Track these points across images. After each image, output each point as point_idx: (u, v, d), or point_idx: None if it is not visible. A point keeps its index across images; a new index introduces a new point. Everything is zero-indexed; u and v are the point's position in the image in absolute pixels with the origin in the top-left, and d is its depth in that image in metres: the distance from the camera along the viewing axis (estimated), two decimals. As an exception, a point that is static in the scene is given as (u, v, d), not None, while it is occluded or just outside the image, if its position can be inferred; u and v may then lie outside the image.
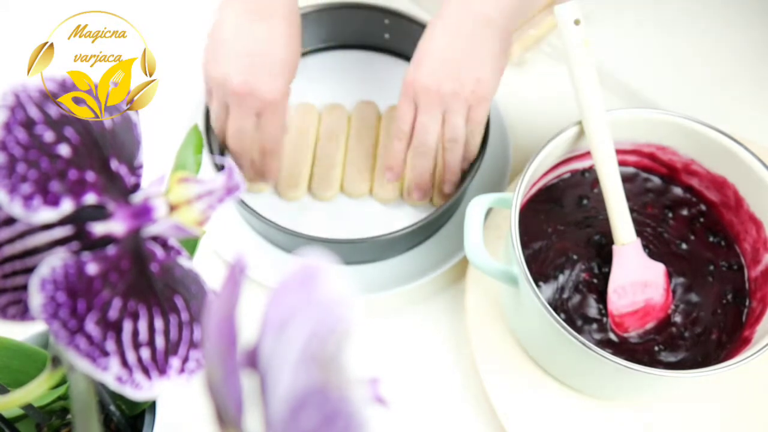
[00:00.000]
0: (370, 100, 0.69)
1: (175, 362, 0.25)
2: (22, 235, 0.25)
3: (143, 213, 0.25)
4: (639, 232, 0.52)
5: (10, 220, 0.24)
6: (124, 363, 0.24)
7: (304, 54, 0.71)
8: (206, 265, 0.61)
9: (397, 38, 0.70)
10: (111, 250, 0.24)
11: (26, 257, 0.25)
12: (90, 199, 0.24)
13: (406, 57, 0.70)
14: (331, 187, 0.63)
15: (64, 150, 0.24)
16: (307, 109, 0.67)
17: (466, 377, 0.57)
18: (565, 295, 0.52)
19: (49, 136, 0.23)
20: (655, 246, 0.54)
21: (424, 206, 0.63)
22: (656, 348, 0.50)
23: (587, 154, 0.54)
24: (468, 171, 0.60)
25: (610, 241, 0.52)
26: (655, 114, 0.53)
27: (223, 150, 0.65)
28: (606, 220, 0.51)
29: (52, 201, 0.23)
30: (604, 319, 0.51)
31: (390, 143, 0.59)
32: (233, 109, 0.56)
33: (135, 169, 0.26)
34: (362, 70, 0.71)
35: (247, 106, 0.56)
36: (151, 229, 0.25)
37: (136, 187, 0.26)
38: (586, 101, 0.49)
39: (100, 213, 0.25)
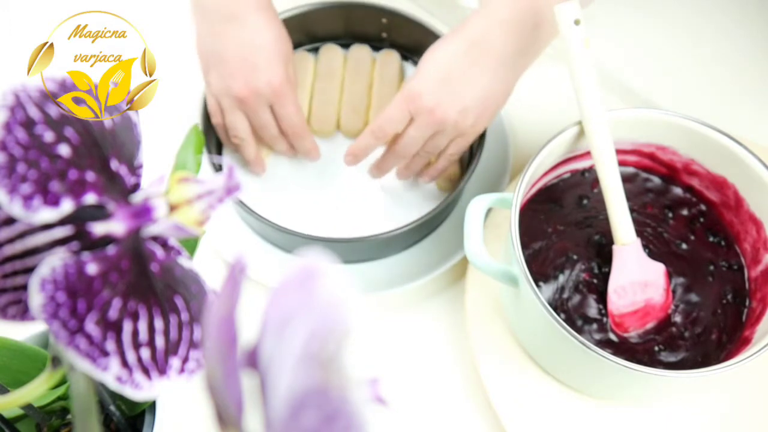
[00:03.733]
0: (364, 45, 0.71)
1: (175, 362, 0.25)
2: (22, 235, 0.25)
3: (143, 213, 0.25)
4: (639, 232, 0.52)
5: (10, 220, 0.24)
6: (124, 363, 0.24)
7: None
8: (206, 265, 0.61)
9: (395, 37, 0.70)
10: (111, 250, 0.24)
11: (26, 257, 0.25)
12: (90, 199, 0.24)
13: (404, 56, 0.70)
14: (329, 122, 0.66)
15: (64, 150, 0.24)
16: (302, 56, 0.69)
17: (466, 377, 0.57)
18: (565, 295, 0.52)
19: (49, 136, 0.23)
20: (655, 246, 0.54)
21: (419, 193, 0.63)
22: (656, 348, 0.50)
23: (587, 154, 0.54)
24: (466, 170, 0.60)
25: (610, 241, 0.52)
26: (655, 114, 0.53)
27: (221, 150, 0.65)
28: (606, 220, 0.51)
29: (52, 201, 0.23)
30: (604, 319, 0.51)
31: (364, 135, 0.57)
32: (249, 112, 0.58)
33: (135, 169, 0.26)
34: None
35: (258, 104, 0.57)
36: (151, 229, 0.25)
37: (136, 187, 0.26)
38: (586, 101, 0.49)
39: (100, 213, 0.25)
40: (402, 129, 0.56)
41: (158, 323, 0.25)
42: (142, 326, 0.24)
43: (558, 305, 0.52)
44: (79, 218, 0.25)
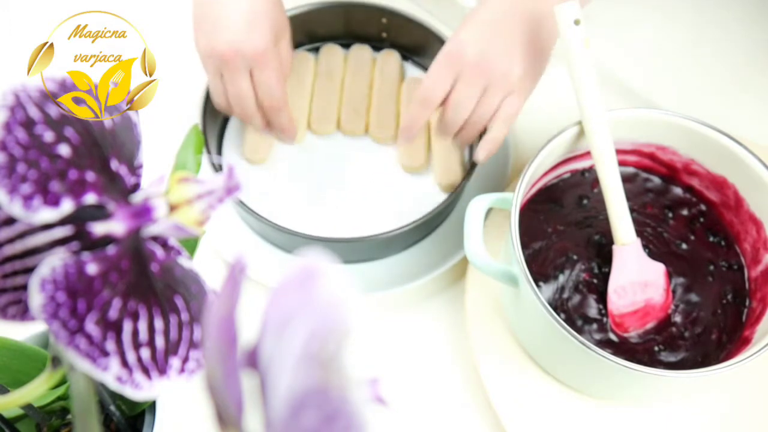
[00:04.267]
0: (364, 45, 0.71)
1: (175, 362, 0.25)
2: (22, 235, 0.25)
3: (143, 213, 0.25)
4: (639, 232, 0.52)
5: (10, 220, 0.24)
6: (124, 363, 0.24)
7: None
8: (206, 265, 0.61)
9: (395, 37, 0.70)
10: (111, 250, 0.24)
11: (26, 257, 0.25)
12: (90, 199, 0.24)
13: (403, 55, 0.70)
14: (329, 122, 0.66)
15: (64, 150, 0.24)
16: (302, 57, 0.69)
17: (466, 377, 0.57)
18: (565, 295, 0.52)
19: (49, 136, 0.23)
20: (655, 246, 0.54)
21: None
22: (656, 348, 0.50)
23: (587, 154, 0.54)
24: (466, 170, 0.60)
25: (610, 241, 0.52)
26: (655, 114, 0.53)
27: (221, 150, 0.65)
28: (606, 220, 0.51)
29: (52, 201, 0.23)
30: (604, 319, 0.51)
31: (412, 106, 0.54)
32: (226, 75, 0.56)
33: (135, 169, 0.26)
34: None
35: (238, 66, 0.55)
36: (151, 229, 0.25)
37: (136, 187, 0.26)
38: (586, 101, 0.49)
39: (100, 213, 0.25)
40: (449, 91, 0.53)
41: (158, 323, 0.25)
42: (142, 326, 0.24)
43: (558, 305, 0.52)
44: (79, 218, 0.25)
